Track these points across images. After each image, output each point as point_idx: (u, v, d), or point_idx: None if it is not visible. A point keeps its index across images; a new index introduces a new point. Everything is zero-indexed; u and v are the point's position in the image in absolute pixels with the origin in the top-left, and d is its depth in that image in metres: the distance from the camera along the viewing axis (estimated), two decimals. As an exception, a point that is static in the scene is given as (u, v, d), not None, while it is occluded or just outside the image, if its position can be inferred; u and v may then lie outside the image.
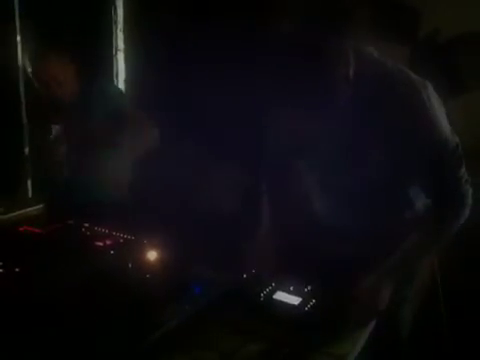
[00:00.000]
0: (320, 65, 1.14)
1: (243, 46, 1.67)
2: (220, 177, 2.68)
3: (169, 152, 2.79)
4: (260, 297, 1.28)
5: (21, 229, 1.57)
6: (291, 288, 1.31)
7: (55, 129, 2.19)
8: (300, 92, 1.17)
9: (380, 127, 1.28)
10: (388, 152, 1.30)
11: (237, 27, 2.49)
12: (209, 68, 2.62)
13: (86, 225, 1.60)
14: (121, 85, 3.24)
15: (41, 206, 1.95)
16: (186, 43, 2.74)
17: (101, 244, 1.43)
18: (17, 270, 1.26)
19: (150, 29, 2.98)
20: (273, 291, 1.31)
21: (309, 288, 1.31)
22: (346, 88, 1.21)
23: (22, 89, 3.05)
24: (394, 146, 1.29)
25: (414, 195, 1.43)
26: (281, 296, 1.29)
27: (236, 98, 2.34)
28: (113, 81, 3.21)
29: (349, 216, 1.43)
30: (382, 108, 1.26)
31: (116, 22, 3.30)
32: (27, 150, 3.18)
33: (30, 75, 2.22)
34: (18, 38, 2.92)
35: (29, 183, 3.19)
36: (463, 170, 1.33)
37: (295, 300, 1.27)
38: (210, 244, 1.63)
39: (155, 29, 2.93)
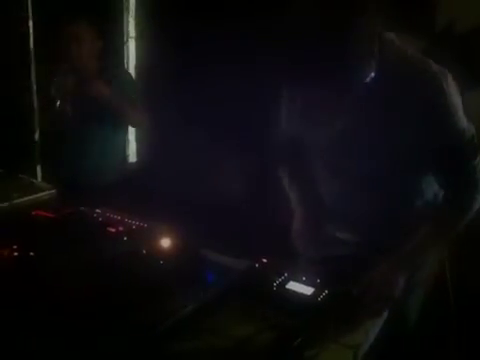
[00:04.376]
0: (345, 38, 1.11)
1: (258, 22, 1.63)
2: (229, 162, 2.66)
3: (178, 138, 2.78)
4: (273, 286, 1.28)
5: (34, 213, 1.57)
6: (304, 278, 1.31)
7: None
8: (324, 68, 1.13)
9: (397, 112, 1.27)
10: (403, 138, 1.29)
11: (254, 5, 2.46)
12: (222, 51, 2.59)
13: (98, 211, 1.60)
14: (132, 72, 3.23)
15: (52, 191, 1.95)
16: (199, 27, 2.71)
17: (114, 230, 1.43)
18: (31, 254, 1.26)
19: (162, 13, 2.96)
20: (286, 281, 1.30)
21: (322, 278, 1.30)
22: (371, 64, 1.19)
23: (33, 74, 3.05)
24: (410, 132, 1.28)
25: (426, 185, 1.43)
26: (294, 286, 1.29)
27: (250, 79, 2.30)
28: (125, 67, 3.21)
29: (360, 201, 1.42)
30: (401, 93, 1.26)
31: (128, 9, 3.29)
32: (37, 135, 3.19)
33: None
34: (30, 23, 2.92)
35: (39, 168, 3.21)
36: (478, 160, 1.33)
37: (308, 290, 1.27)
38: (221, 230, 1.62)
39: (167, 13, 2.91)
